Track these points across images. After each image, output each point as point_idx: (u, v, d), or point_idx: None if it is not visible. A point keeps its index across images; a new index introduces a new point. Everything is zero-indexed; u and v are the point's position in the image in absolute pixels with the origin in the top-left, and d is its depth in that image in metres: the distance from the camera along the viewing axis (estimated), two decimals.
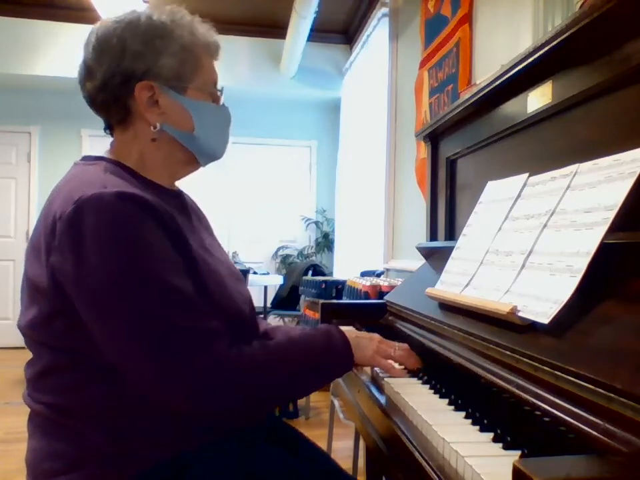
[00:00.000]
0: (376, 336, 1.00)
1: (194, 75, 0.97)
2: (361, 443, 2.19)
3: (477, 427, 0.69)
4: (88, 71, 0.95)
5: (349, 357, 0.93)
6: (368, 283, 2.46)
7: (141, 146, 0.97)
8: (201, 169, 1.09)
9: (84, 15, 4.72)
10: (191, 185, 1.21)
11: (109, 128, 1.02)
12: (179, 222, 0.88)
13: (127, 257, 0.79)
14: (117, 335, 0.80)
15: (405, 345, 1.02)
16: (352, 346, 0.93)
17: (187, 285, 0.83)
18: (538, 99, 1.06)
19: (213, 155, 1.05)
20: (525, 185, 1.05)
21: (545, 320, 0.77)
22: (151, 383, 0.80)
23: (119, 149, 0.99)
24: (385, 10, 3.79)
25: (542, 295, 0.81)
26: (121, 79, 0.92)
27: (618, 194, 0.76)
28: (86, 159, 0.98)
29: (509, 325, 0.86)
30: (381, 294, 2.35)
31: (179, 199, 1.04)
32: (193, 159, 1.02)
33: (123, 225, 0.80)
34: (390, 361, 0.99)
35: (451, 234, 1.53)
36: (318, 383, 0.92)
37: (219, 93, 1.03)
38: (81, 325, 0.82)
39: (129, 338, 0.79)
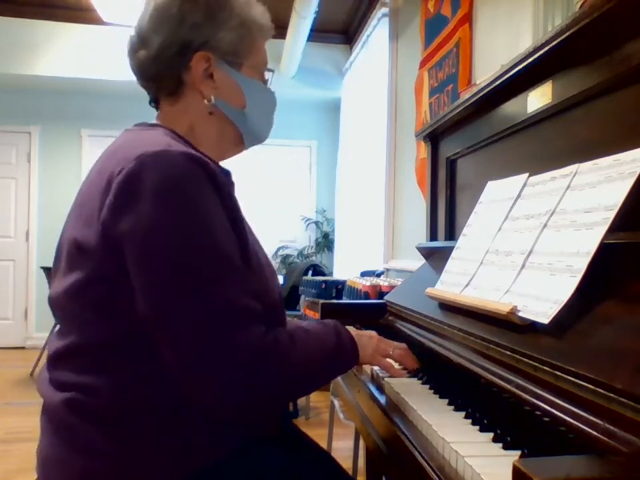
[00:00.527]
0: (374, 334, 1.00)
1: (249, 53, 0.96)
2: (361, 443, 2.19)
3: (477, 427, 0.69)
4: (142, 40, 0.93)
5: (355, 355, 0.92)
6: (368, 283, 2.46)
7: (191, 119, 0.95)
8: None
9: (84, 14, 4.72)
10: None
11: (155, 101, 0.99)
12: (235, 199, 0.86)
13: (188, 218, 0.76)
14: (162, 292, 0.76)
15: (403, 345, 1.02)
16: (358, 347, 0.93)
17: (239, 260, 0.81)
18: (538, 98, 1.06)
19: (259, 137, 1.03)
20: (525, 185, 1.05)
21: (545, 320, 0.77)
22: (186, 353, 0.75)
23: (166, 120, 0.96)
24: (385, 10, 3.79)
25: (542, 295, 0.81)
26: (178, 49, 0.90)
27: (618, 194, 0.76)
28: (140, 125, 0.95)
29: (509, 325, 0.86)
30: (380, 294, 2.35)
31: (230, 177, 1.01)
32: (240, 139, 1.00)
33: (189, 185, 0.77)
34: (389, 360, 0.99)
35: (451, 234, 1.53)
36: (326, 379, 0.92)
37: (267, 77, 1.01)
38: (118, 295, 0.78)
39: (176, 296, 0.75)
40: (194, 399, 0.79)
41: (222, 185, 0.82)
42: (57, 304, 0.87)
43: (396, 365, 1.00)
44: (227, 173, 0.98)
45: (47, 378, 0.87)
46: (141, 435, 0.80)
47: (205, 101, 0.93)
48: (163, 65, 0.92)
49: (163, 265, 0.76)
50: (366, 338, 0.97)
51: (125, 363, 0.81)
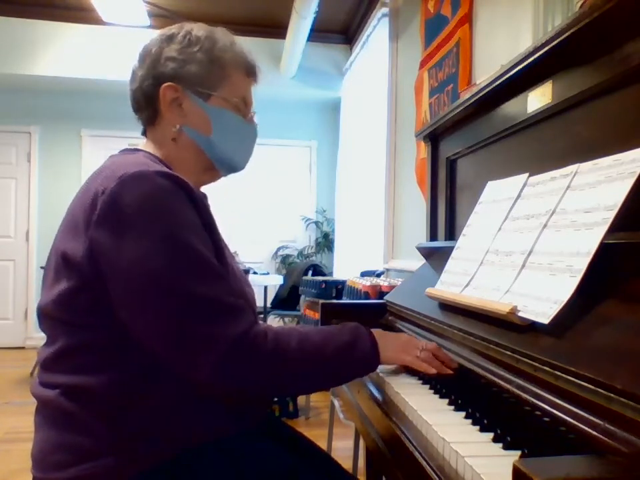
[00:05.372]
0: (403, 335, 1.02)
1: (219, 85, 1.03)
2: (361, 443, 2.19)
3: (477, 427, 0.70)
4: (133, 76, 1.05)
5: (374, 354, 0.93)
6: (368, 283, 2.46)
7: (166, 146, 1.03)
8: None
9: (84, 15, 4.72)
10: None
11: (145, 133, 1.08)
12: (211, 214, 0.94)
13: (166, 230, 0.83)
14: (149, 303, 0.82)
15: (433, 345, 1.01)
16: (379, 347, 0.93)
17: (217, 266, 0.88)
18: (538, 98, 1.06)
19: (231, 163, 1.09)
20: (525, 185, 1.05)
21: (545, 320, 0.77)
22: (179, 351, 0.82)
23: (148, 148, 1.04)
24: (385, 10, 3.79)
25: (542, 295, 0.81)
26: (153, 81, 1.01)
27: (618, 194, 0.76)
28: (123, 150, 1.03)
29: (509, 325, 0.86)
30: (381, 294, 2.35)
31: (206, 199, 1.07)
32: (211, 165, 1.06)
33: (166, 199, 0.85)
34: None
35: (451, 234, 1.53)
36: (338, 375, 0.93)
37: (251, 113, 1.08)
38: (105, 302, 0.84)
39: (161, 306, 0.82)
40: (189, 384, 0.85)
41: (198, 199, 0.90)
42: (45, 313, 0.92)
43: None
44: (203, 196, 1.05)
45: (39, 381, 0.92)
46: (130, 419, 0.85)
47: (172, 128, 1.02)
48: (142, 95, 1.03)
49: (148, 280, 0.82)
50: (391, 338, 0.99)
51: (113, 360, 0.86)
